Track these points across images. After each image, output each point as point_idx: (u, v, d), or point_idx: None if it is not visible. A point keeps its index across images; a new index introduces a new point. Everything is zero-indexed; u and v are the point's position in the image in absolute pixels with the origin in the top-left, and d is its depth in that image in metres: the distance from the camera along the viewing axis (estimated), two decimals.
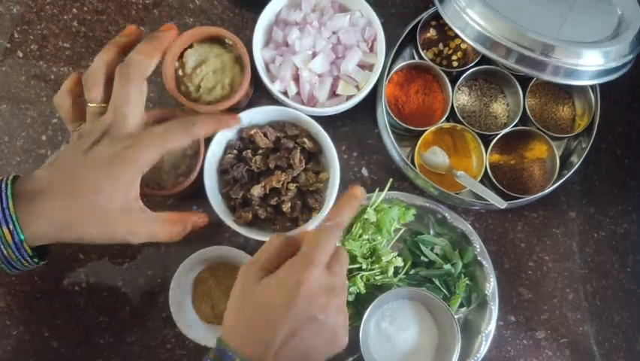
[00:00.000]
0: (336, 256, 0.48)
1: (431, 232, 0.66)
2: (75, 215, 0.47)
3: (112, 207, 0.47)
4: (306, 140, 0.62)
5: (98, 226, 0.48)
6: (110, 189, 0.47)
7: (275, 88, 0.64)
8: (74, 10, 0.71)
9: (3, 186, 0.46)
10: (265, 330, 0.44)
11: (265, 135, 0.62)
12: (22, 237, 0.45)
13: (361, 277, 0.60)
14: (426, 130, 0.65)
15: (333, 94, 0.66)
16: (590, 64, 0.58)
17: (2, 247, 0.45)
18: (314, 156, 0.64)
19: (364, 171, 0.69)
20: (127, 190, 0.48)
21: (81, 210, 0.47)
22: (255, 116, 0.63)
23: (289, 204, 0.61)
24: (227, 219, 0.60)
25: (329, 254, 0.47)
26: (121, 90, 0.49)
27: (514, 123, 0.66)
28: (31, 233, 0.46)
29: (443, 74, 0.66)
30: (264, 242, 0.61)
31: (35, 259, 0.48)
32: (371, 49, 0.66)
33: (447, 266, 0.63)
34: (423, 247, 0.64)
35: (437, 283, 0.64)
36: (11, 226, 0.45)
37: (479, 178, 0.65)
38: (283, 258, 0.47)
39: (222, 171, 0.63)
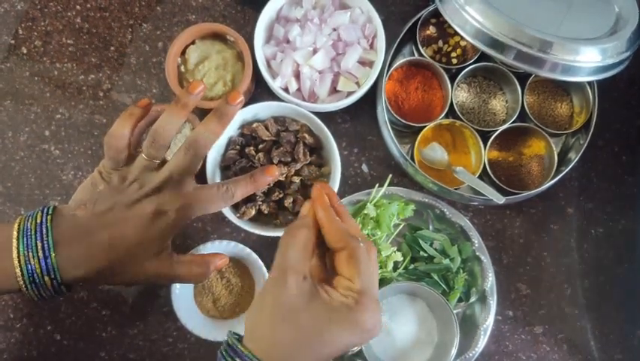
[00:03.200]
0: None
1: (430, 227, 0.67)
2: (114, 265, 0.48)
3: (148, 257, 0.49)
4: (306, 135, 0.62)
5: (131, 274, 0.49)
6: (150, 243, 0.48)
7: (276, 84, 0.65)
8: (78, 6, 0.71)
9: (44, 230, 0.46)
10: (294, 354, 0.41)
11: (267, 128, 0.63)
12: (60, 281, 0.47)
13: None
14: (425, 126, 0.66)
15: (334, 90, 0.67)
16: (588, 60, 0.59)
17: (42, 290, 0.47)
18: (315, 150, 0.65)
19: (364, 167, 0.70)
20: (163, 242, 0.50)
21: (121, 260, 0.48)
22: (257, 111, 0.63)
23: (291, 199, 0.62)
24: (231, 215, 0.61)
25: (303, 258, 0.43)
26: (184, 159, 0.49)
27: (513, 120, 0.67)
28: (70, 278, 0.47)
29: (442, 70, 0.67)
30: (266, 237, 0.62)
31: (64, 289, 0.49)
32: (371, 46, 0.67)
33: (446, 261, 0.64)
34: (422, 242, 0.65)
35: (436, 278, 0.64)
36: (52, 275, 0.46)
37: (478, 174, 0.66)
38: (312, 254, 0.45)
39: (225, 167, 0.64)
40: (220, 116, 0.51)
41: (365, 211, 0.63)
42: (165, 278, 0.51)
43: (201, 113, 0.64)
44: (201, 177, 0.62)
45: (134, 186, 0.49)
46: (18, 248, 0.45)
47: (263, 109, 0.63)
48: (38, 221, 0.46)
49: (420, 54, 0.68)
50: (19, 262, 0.45)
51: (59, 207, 0.49)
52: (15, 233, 0.46)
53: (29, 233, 0.46)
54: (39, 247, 0.45)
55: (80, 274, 0.47)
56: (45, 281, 0.46)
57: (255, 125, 0.63)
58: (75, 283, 0.48)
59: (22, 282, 0.46)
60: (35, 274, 0.45)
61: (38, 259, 0.45)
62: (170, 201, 0.49)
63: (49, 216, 0.47)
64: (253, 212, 0.61)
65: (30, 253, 0.45)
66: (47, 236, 0.46)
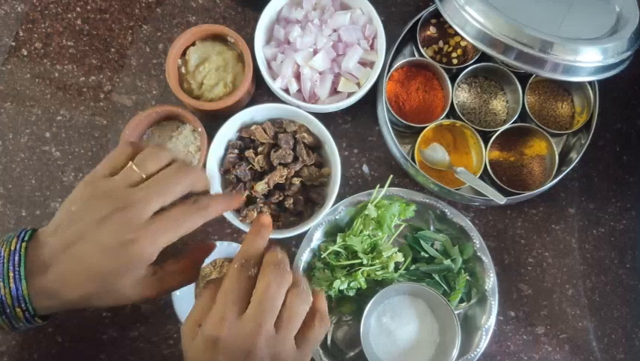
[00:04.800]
0: (259, 288, 0.44)
1: (431, 227, 0.67)
2: (91, 294, 0.45)
3: (128, 284, 0.45)
4: (305, 134, 0.62)
5: (113, 301, 0.46)
6: (127, 272, 0.45)
7: (276, 85, 0.65)
8: (78, 8, 0.71)
9: (17, 259, 0.44)
10: None
11: (265, 131, 0.63)
12: (34, 313, 0.45)
13: (362, 273, 0.61)
14: (426, 127, 0.66)
15: (334, 91, 0.67)
16: (589, 60, 0.59)
17: (14, 321, 0.45)
18: (315, 150, 0.64)
19: (365, 168, 0.70)
20: (141, 270, 0.45)
21: (98, 290, 0.45)
22: (254, 114, 0.63)
23: (292, 200, 0.62)
24: (233, 219, 0.60)
25: (242, 299, 0.44)
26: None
27: (514, 120, 0.67)
28: (44, 308, 0.45)
29: (443, 71, 0.67)
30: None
31: (40, 320, 0.46)
32: (372, 46, 0.67)
33: (447, 262, 0.64)
34: (423, 243, 0.64)
35: (437, 278, 0.64)
36: (24, 306, 0.44)
37: (479, 174, 0.66)
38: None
39: (225, 171, 0.64)
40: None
41: (366, 212, 0.63)
42: (155, 297, 0.48)
43: (201, 114, 0.64)
44: None
45: (109, 201, 0.44)
46: None
47: (260, 111, 0.63)
48: (12, 248, 0.44)
49: (420, 54, 0.68)
50: None
51: (38, 232, 0.46)
52: None
53: (2, 261, 0.44)
54: (10, 277, 0.43)
55: (53, 304, 0.45)
56: (16, 312, 0.44)
57: (252, 127, 0.63)
58: (50, 313, 0.46)
59: None
60: (5, 305, 0.43)
61: (9, 289, 0.43)
62: (137, 226, 0.44)
63: (24, 243, 0.44)
64: (255, 214, 0.61)
65: (1, 283, 0.43)
66: (19, 266, 0.43)
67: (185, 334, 0.45)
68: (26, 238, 0.45)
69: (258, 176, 0.63)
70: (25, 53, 0.70)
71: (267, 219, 0.49)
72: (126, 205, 0.44)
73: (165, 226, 0.45)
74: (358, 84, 0.66)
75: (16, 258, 0.44)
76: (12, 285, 0.43)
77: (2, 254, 0.44)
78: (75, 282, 0.44)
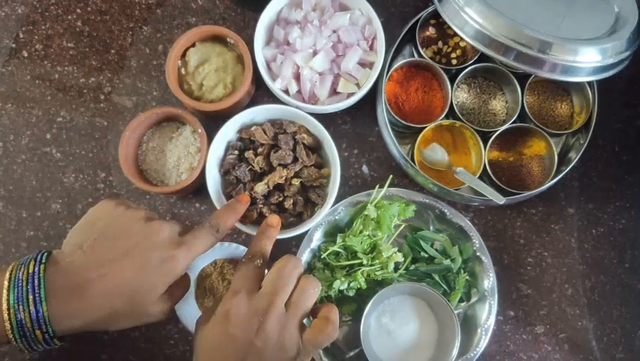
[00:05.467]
0: (271, 277, 0.48)
1: (431, 228, 0.67)
2: (117, 313, 0.46)
3: (152, 300, 0.47)
4: (305, 135, 0.62)
5: (133, 319, 0.47)
6: (157, 288, 0.47)
7: (276, 86, 0.65)
8: (78, 10, 0.72)
9: (36, 281, 0.43)
10: None
11: (265, 132, 0.63)
12: (53, 335, 0.44)
13: (362, 273, 0.61)
14: (425, 127, 0.66)
15: (334, 92, 0.67)
16: (587, 61, 0.59)
17: (32, 343, 0.44)
18: (314, 151, 0.65)
19: (365, 168, 0.70)
20: (168, 285, 0.47)
21: (124, 308, 0.46)
22: (254, 115, 0.63)
23: (291, 201, 0.62)
24: None
25: (252, 282, 0.47)
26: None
27: (513, 120, 0.67)
28: (64, 329, 0.45)
29: (442, 71, 0.67)
30: None
31: (58, 342, 0.46)
32: (371, 47, 0.67)
33: (447, 262, 0.64)
34: (423, 243, 0.65)
35: (437, 278, 0.64)
36: (44, 328, 0.44)
37: (478, 175, 0.66)
38: None
39: (224, 172, 0.64)
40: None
41: (366, 212, 0.63)
42: (169, 313, 0.49)
43: (201, 115, 0.65)
44: (202, 186, 0.62)
45: (153, 228, 0.47)
46: (8, 299, 0.43)
47: (259, 112, 0.63)
48: (30, 271, 0.44)
49: (420, 55, 0.68)
50: (9, 314, 0.43)
51: (55, 254, 0.46)
52: (6, 283, 0.44)
53: (20, 284, 0.43)
54: (30, 300, 0.43)
55: (75, 325, 0.45)
56: (36, 335, 0.44)
57: (252, 128, 0.63)
58: (71, 334, 0.46)
59: (11, 335, 0.43)
60: (25, 328, 0.43)
61: (29, 312, 0.43)
62: (176, 246, 0.47)
63: (42, 266, 0.45)
64: (255, 215, 0.61)
65: (21, 306, 0.43)
66: (39, 288, 0.43)
67: (199, 323, 0.48)
68: (44, 261, 0.45)
69: (258, 177, 0.64)
70: (26, 55, 0.70)
71: (274, 219, 0.53)
72: (162, 224, 0.48)
73: (192, 243, 0.48)
74: (358, 85, 0.67)
75: (36, 281, 0.44)
76: (32, 308, 0.43)
77: (20, 277, 0.44)
78: (104, 300, 0.45)
